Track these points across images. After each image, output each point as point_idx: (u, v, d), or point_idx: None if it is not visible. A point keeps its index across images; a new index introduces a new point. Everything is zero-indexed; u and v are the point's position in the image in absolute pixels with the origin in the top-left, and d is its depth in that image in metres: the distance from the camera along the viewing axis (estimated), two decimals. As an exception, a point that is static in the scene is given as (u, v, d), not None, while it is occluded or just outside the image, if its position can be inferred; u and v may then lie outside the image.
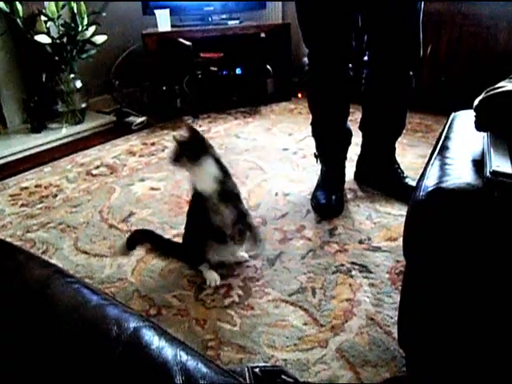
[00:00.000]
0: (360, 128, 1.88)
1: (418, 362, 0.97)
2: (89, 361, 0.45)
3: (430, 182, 0.81)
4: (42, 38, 2.46)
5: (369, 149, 1.88)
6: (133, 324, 0.47)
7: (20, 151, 2.45)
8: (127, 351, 0.44)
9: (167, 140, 2.58)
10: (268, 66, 3.01)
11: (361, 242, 1.54)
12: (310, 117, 1.85)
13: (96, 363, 0.45)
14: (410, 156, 2.12)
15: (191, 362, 0.44)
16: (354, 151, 2.03)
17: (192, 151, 1.19)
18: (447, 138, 1.01)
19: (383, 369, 1.07)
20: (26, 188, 2.09)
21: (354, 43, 1.65)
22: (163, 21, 2.87)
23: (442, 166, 0.87)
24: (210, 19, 3.05)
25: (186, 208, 1.78)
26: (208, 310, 1.28)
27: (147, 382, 0.42)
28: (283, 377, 0.93)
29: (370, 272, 1.39)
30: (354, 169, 1.98)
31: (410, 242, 0.85)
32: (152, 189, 2.01)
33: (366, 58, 1.74)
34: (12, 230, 1.74)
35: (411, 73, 1.67)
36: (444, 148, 0.96)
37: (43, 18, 2.49)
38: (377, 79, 1.73)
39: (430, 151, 1.02)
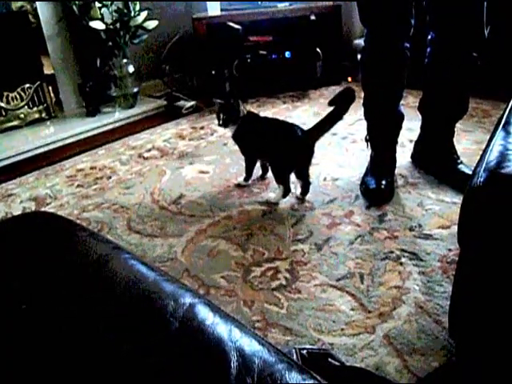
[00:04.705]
0: (419, 109, 1.84)
1: (468, 353, 0.95)
2: (146, 335, 0.47)
3: (488, 167, 0.78)
4: (97, 24, 2.52)
5: (427, 131, 1.84)
6: (188, 300, 0.48)
7: (76, 134, 2.54)
8: (183, 326, 0.46)
9: (216, 124, 2.60)
10: (318, 50, 2.95)
11: (411, 229, 1.51)
12: (361, 100, 1.81)
13: (153, 338, 0.47)
14: (464, 142, 2.04)
15: (245, 340, 0.45)
16: (406, 136, 1.98)
17: None
18: (508, 122, 0.97)
19: (432, 358, 1.05)
20: (81, 170, 2.17)
21: (414, 22, 1.61)
22: (213, 4, 2.87)
23: (502, 151, 0.83)
24: (259, 2, 3.02)
25: (235, 191, 1.84)
26: (255, 292, 1.29)
27: (203, 357, 0.44)
28: (330, 360, 0.93)
29: (421, 260, 1.36)
30: (405, 154, 1.93)
31: (466, 229, 0.82)
32: (201, 172, 2.04)
33: (429, 37, 1.71)
34: (69, 209, 1.82)
35: (475, 54, 1.62)
36: (504, 133, 0.92)
37: (97, 4, 2.55)
38: (439, 60, 1.69)
39: (485, 137, 0.99)
